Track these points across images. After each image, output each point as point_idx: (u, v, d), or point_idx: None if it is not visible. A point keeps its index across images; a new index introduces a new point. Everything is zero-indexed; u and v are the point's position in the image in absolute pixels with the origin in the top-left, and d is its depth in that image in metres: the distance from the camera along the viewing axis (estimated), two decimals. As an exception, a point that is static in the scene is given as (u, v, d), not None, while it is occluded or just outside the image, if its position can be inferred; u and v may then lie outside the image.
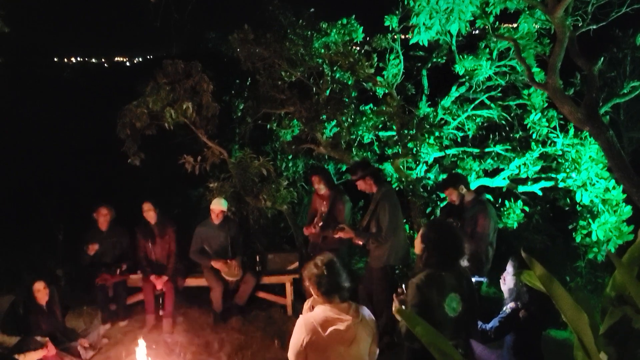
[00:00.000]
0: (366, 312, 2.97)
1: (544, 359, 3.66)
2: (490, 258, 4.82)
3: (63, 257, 7.01)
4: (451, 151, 6.26)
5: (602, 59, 4.49)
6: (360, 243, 5.14)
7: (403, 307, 3.14)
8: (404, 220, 6.36)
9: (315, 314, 2.88)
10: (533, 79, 4.79)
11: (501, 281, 3.78)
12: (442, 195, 6.06)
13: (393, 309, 3.15)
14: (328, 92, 6.28)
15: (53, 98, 16.30)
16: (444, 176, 6.34)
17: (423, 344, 2.03)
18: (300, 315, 2.96)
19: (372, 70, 5.94)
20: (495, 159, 6.25)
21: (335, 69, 6.26)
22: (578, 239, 5.44)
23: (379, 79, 6.10)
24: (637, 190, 4.23)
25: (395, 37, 6.20)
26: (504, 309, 3.63)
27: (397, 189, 6.31)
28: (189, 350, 5.24)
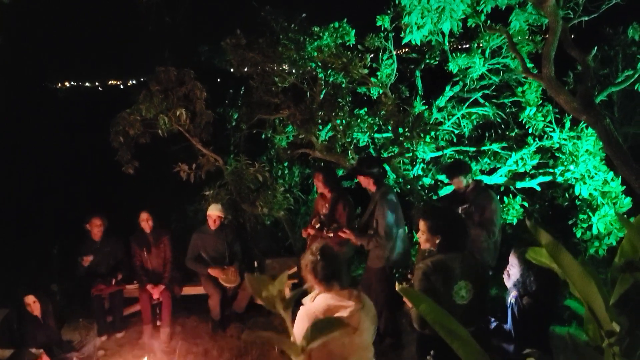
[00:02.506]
0: (367, 299, 2.89)
1: (550, 348, 3.57)
2: (498, 244, 4.77)
3: (58, 272, 6.90)
4: (447, 151, 6.24)
5: (595, 48, 4.49)
6: (359, 244, 5.06)
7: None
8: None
9: (316, 303, 2.78)
10: (528, 70, 4.79)
11: (505, 276, 3.71)
12: (441, 194, 6.02)
13: (396, 287, 3.07)
14: (323, 94, 6.26)
15: (46, 117, 16.29)
16: (441, 177, 6.31)
17: (434, 330, 1.95)
18: (301, 307, 2.87)
19: (366, 71, 5.93)
20: (492, 158, 6.23)
21: (329, 72, 6.25)
22: (578, 234, 5.39)
23: (372, 79, 6.09)
24: (636, 178, 4.19)
25: (388, 36, 6.21)
26: (509, 300, 3.56)
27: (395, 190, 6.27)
28: (187, 358, 5.13)
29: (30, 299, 4.95)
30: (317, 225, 5.33)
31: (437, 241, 3.18)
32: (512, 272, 3.58)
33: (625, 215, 5.15)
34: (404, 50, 6.91)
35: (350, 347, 2.73)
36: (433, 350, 2.58)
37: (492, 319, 3.54)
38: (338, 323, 0.60)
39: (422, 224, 3.27)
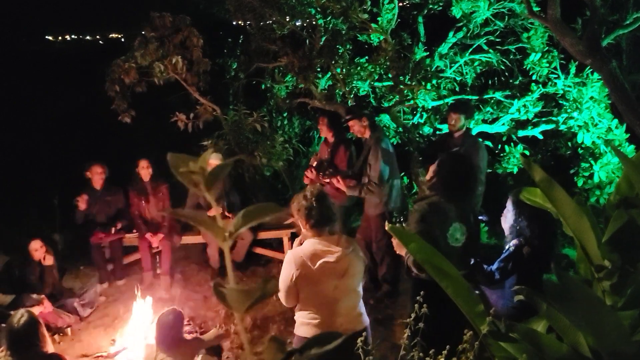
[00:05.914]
0: (355, 243, 2.93)
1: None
2: (481, 194, 4.74)
3: (60, 222, 6.93)
4: (449, 100, 6.10)
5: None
6: (350, 194, 5.03)
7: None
8: (402, 173, 6.27)
9: (303, 247, 2.82)
10: (533, 12, 4.59)
11: (502, 220, 3.67)
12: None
13: (386, 226, 3.06)
14: (323, 40, 6.08)
15: (43, 68, 16.11)
16: (441, 126, 6.21)
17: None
18: (289, 251, 2.91)
19: (366, 16, 5.74)
20: (495, 107, 6.10)
21: (328, 18, 6.06)
22: (580, 183, 5.32)
23: (373, 25, 5.90)
24: (640, 123, 4.09)
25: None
26: (507, 247, 3.53)
27: (395, 142, 6.18)
28: (187, 305, 5.19)
29: (36, 244, 4.97)
30: (315, 164, 5.29)
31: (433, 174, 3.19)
32: (508, 217, 3.55)
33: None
34: (406, 2, 6.66)
35: (339, 289, 2.79)
36: (423, 291, 2.57)
37: (485, 266, 3.52)
38: (270, 209, 0.55)
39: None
